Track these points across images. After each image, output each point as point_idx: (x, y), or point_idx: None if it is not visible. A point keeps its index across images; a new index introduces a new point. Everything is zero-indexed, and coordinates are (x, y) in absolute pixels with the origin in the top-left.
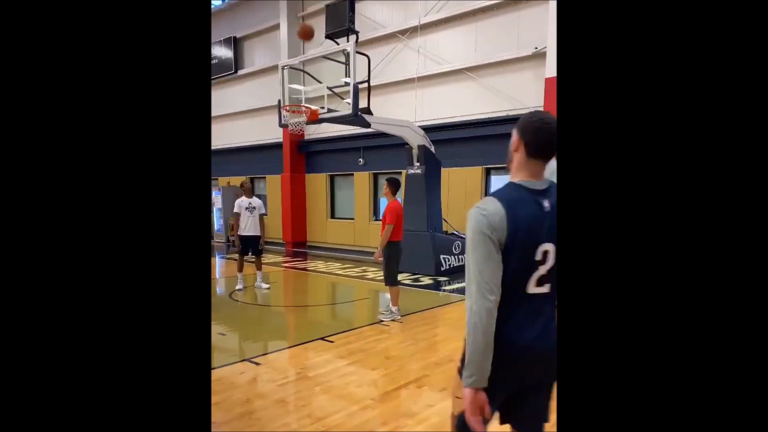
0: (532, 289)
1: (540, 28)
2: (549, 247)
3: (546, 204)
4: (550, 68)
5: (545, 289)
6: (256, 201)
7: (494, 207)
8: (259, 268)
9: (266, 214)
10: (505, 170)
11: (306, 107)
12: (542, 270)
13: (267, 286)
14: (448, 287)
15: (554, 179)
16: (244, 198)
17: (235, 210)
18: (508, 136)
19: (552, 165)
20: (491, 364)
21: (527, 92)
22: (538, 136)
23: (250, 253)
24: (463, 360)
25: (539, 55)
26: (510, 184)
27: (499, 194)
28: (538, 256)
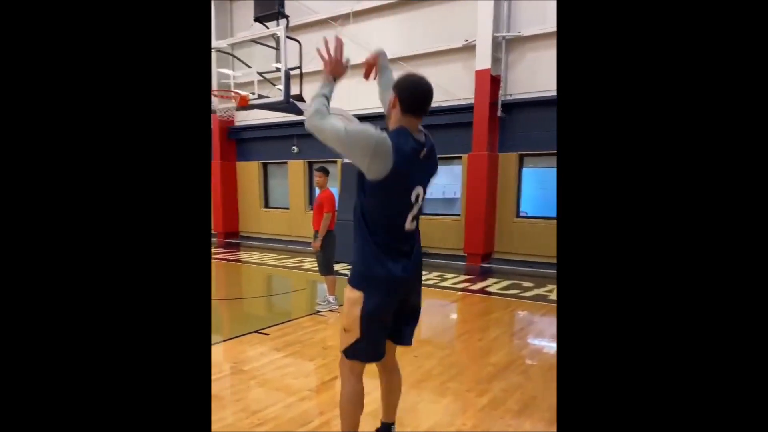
0: (408, 226)
1: (470, 20)
2: (420, 190)
3: (422, 154)
4: (480, 61)
5: (414, 226)
6: None
7: (383, 136)
8: None
9: None
10: (446, 160)
11: (235, 92)
12: (415, 210)
13: None
14: None
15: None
16: None
17: None
18: (441, 127)
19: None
20: (381, 292)
21: (459, 84)
22: (413, 93)
23: None
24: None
25: (470, 48)
26: (397, 128)
27: (388, 133)
28: (413, 198)
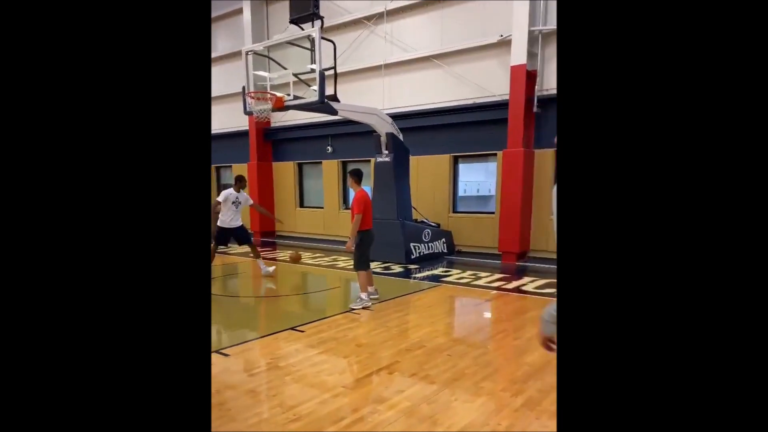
0: None
1: (505, 15)
2: None
3: None
4: (516, 56)
5: None
6: (242, 196)
7: None
8: (257, 257)
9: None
10: (472, 158)
11: (271, 94)
12: None
13: (272, 268)
14: (418, 275)
15: None
16: (232, 191)
17: (220, 198)
18: (475, 124)
19: None
20: None
21: (493, 80)
22: None
23: (227, 245)
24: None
25: (505, 43)
26: None
27: None
28: None
